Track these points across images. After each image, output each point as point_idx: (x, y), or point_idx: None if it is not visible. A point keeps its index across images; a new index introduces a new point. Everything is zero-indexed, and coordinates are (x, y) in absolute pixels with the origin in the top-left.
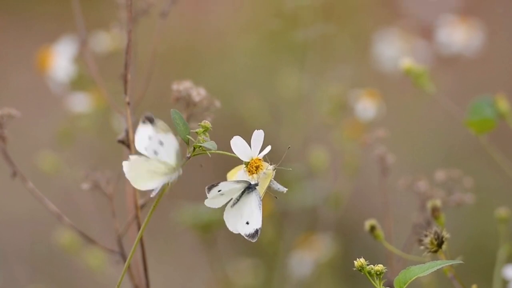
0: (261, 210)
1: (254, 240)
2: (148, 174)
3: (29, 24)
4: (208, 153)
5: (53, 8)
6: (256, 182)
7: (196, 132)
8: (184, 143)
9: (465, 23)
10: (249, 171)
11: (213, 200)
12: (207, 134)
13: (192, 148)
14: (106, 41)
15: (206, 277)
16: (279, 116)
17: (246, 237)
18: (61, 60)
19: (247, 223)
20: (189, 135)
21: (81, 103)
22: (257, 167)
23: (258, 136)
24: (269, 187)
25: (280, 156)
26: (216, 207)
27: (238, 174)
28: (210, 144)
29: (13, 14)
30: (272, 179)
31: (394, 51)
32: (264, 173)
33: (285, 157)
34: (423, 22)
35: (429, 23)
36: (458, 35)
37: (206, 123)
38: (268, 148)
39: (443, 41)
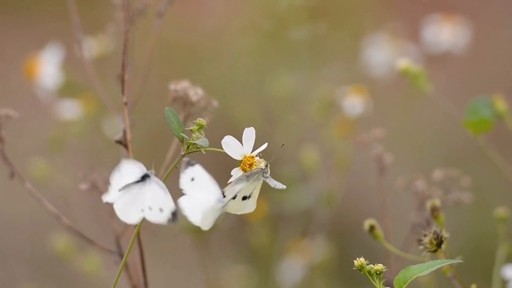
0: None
1: (176, 223)
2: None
3: (29, 24)
4: (202, 151)
5: (53, 8)
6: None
7: (191, 130)
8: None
9: (450, 20)
10: (242, 169)
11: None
12: (202, 132)
13: (186, 146)
14: (95, 45)
15: (204, 277)
16: (273, 117)
17: (166, 223)
18: (48, 68)
19: (161, 210)
20: (183, 133)
21: (71, 110)
22: (250, 165)
23: (249, 133)
24: (266, 184)
25: (274, 156)
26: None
27: (232, 172)
28: (202, 141)
29: (13, 14)
30: (269, 177)
31: (384, 55)
32: (256, 171)
33: (279, 159)
34: (412, 23)
35: (417, 23)
36: (445, 33)
37: (201, 120)
38: (264, 146)
39: (430, 40)
